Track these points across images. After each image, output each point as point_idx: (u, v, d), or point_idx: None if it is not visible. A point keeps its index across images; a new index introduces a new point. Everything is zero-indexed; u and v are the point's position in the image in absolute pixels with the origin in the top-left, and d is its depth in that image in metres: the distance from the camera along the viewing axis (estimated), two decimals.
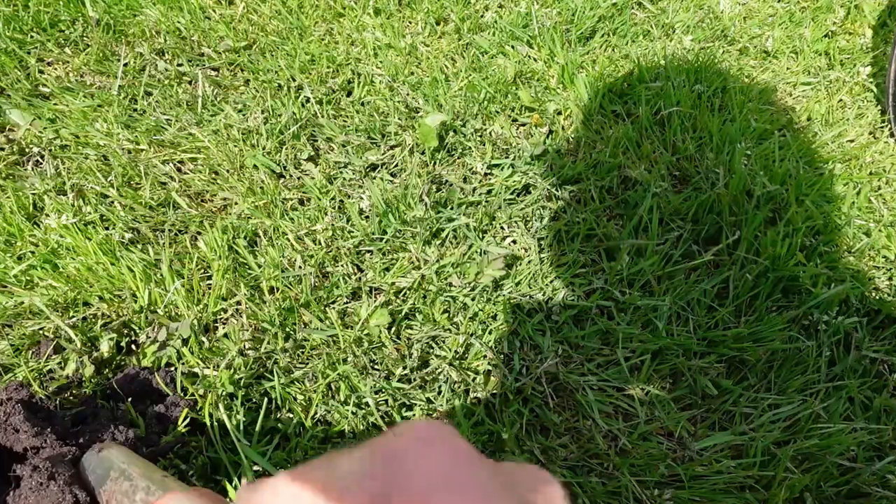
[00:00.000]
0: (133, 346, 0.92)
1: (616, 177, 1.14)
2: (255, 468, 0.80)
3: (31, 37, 1.23)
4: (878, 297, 1.04)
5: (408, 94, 1.23)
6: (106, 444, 0.71)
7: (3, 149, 1.08)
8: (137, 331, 0.91)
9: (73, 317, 0.91)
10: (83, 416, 0.80)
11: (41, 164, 1.07)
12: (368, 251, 1.03)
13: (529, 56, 1.31)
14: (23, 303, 0.92)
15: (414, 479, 0.30)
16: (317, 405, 0.86)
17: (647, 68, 1.29)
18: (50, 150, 1.08)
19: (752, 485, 0.87)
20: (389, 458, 0.31)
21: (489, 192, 1.12)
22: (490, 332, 0.95)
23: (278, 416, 0.86)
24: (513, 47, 1.32)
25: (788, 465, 0.88)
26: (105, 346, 0.88)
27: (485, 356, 0.92)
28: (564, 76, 1.24)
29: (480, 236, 1.06)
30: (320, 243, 1.02)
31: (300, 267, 0.99)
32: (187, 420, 0.81)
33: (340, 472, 0.32)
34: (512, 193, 1.11)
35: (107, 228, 1.00)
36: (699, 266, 1.05)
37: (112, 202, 1.03)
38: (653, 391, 0.94)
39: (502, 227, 1.08)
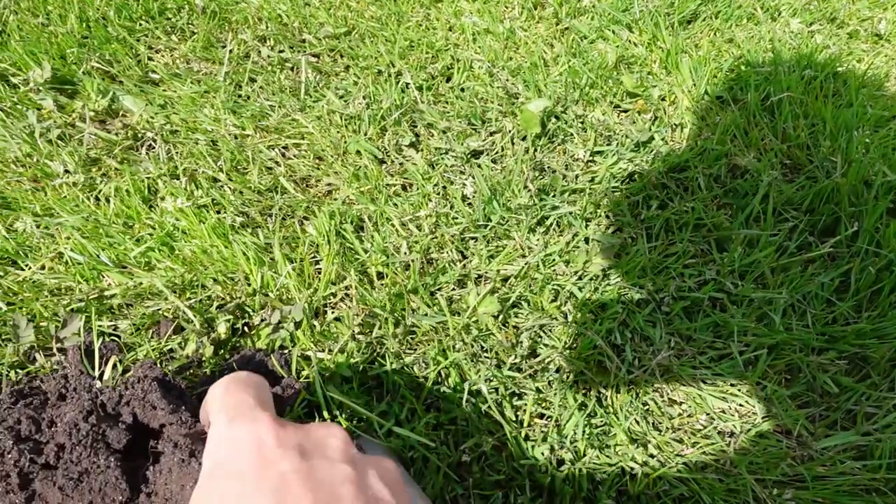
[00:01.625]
0: (246, 328, 0.93)
1: (724, 165, 1.11)
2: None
3: (141, 25, 1.26)
4: None
5: (507, 80, 1.21)
6: None
7: (118, 134, 1.11)
8: (251, 313, 0.93)
9: (191, 298, 0.93)
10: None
11: (154, 148, 1.10)
12: (473, 238, 1.03)
13: (630, 41, 1.28)
14: (142, 283, 0.95)
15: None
16: (427, 391, 0.86)
17: (754, 52, 1.25)
18: (161, 135, 1.11)
19: (880, 488, 0.84)
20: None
21: (592, 179, 1.10)
22: (600, 322, 0.93)
23: (390, 401, 0.86)
24: (613, 32, 1.30)
25: None
26: (222, 328, 0.90)
27: (595, 346, 0.91)
28: (669, 61, 1.21)
29: (585, 225, 1.04)
30: (424, 230, 1.02)
31: (406, 253, 0.99)
32: (304, 403, 0.82)
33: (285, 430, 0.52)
34: (617, 181, 1.09)
35: (218, 212, 1.02)
36: (816, 258, 1.01)
37: (222, 186, 1.05)
38: (769, 387, 0.91)
39: (607, 216, 1.05)
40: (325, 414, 0.80)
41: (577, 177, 1.10)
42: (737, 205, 1.07)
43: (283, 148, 1.12)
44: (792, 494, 0.84)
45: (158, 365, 0.72)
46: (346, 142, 1.11)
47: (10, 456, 0.64)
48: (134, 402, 0.68)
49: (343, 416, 0.82)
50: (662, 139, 1.14)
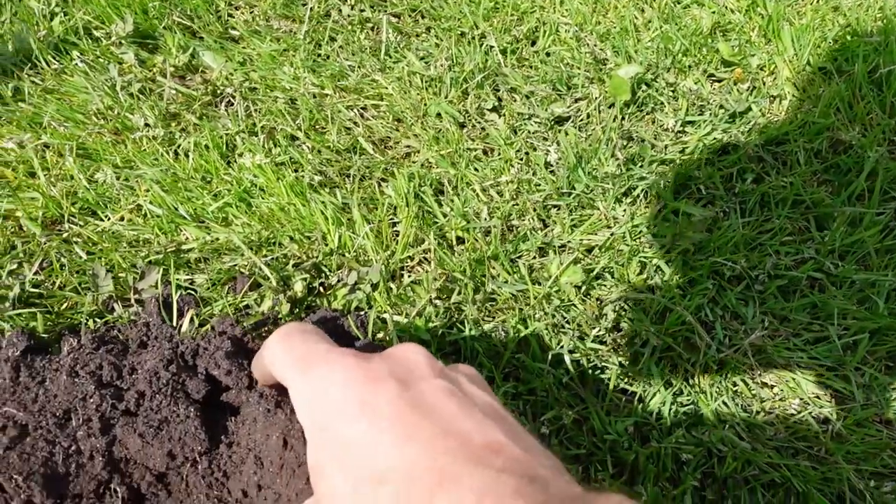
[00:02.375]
0: (322, 289, 0.92)
1: (826, 139, 1.04)
2: None
3: None
4: None
5: (595, 45, 1.16)
6: None
7: (198, 89, 1.10)
8: (328, 273, 0.91)
9: (267, 255, 0.92)
10: None
11: (233, 104, 1.09)
12: (556, 206, 0.99)
13: (727, 7, 1.21)
14: (218, 239, 0.94)
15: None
16: (506, 360, 0.84)
17: (862, 21, 1.17)
18: (240, 92, 1.09)
19: None
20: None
21: (682, 150, 1.04)
22: (689, 298, 0.88)
23: None
24: None
25: None
26: (298, 286, 0.88)
27: (684, 322, 0.86)
28: (769, 28, 1.14)
29: (675, 197, 0.99)
30: (505, 196, 0.99)
31: (486, 219, 0.96)
32: None
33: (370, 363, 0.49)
34: (709, 153, 1.03)
35: (296, 170, 1.00)
36: None
37: (301, 145, 1.03)
38: (869, 373, 0.85)
39: (698, 188, 1.00)
40: None
41: (666, 147, 1.04)
42: (839, 182, 1.01)
43: (362, 108, 1.10)
44: (891, 488, 0.78)
45: (236, 322, 0.71)
46: (426, 104, 1.08)
47: (91, 400, 0.64)
48: (206, 357, 0.67)
49: None
50: (760, 110, 1.07)
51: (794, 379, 0.84)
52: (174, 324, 0.81)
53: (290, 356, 0.54)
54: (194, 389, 0.65)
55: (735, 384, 0.84)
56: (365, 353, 0.51)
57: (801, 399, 0.84)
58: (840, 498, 0.78)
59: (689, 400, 0.82)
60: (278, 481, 0.59)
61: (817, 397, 0.84)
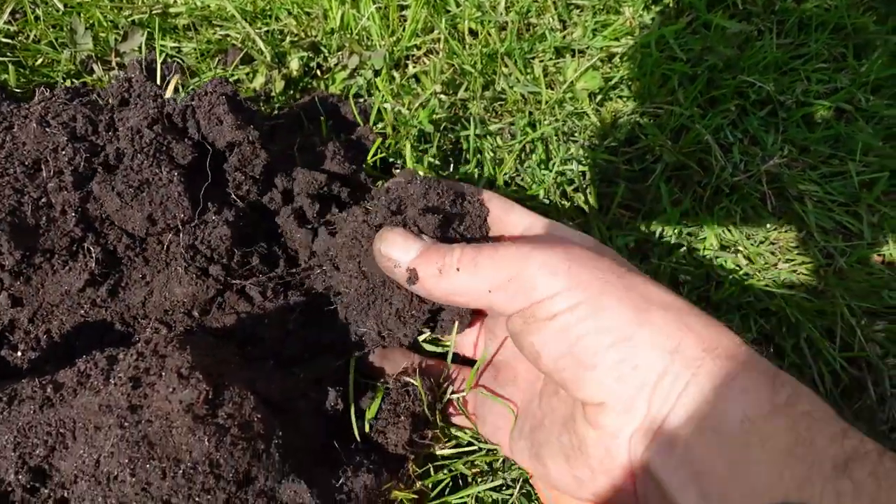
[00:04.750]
0: (320, 72, 0.85)
1: None
2: None
3: None
4: None
5: None
6: None
7: None
8: (327, 54, 0.84)
9: (262, 28, 0.84)
10: (277, 128, 0.75)
11: None
12: (578, 7, 0.90)
13: None
14: (209, 5, 0.85)
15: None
16: (510, 165, 0.79)
17: None
18: None
19: None
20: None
21: None
22: (710, 118, 0.83)
23: (467, 169, 0.79)
24: None
25: None
26: (294, 64, 0.82)
27: (701, 141, 0.82)
28: None
29: (708, 8, 0.91)
30: None
31: (503, 12, 0.88)
32: (379, 154, 0.75)
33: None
34: None
35: None
36: None
37: None
38: (883, 212, 0.82)
39: (735, 3, 0.92)
40: (409, 163, 0.73)
41: None
42: (886, 10, 0.93)
43: None
44: (883, 327, 0.78)
45: (227, 81, 0.65)
46: None
47: (63, 153, 0.59)
48: (200, 115, 0.61)
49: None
50: None
51: (804, 211, 0.81)
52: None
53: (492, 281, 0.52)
54: (180, 153, 0.60)
55: (744, 210, 0.81)
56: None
57: (808, 232, 0.81)
58: (830, 332, 0.78)
59: (694, 222, 0.79)
60: None
61: (825, 231, 0.82)
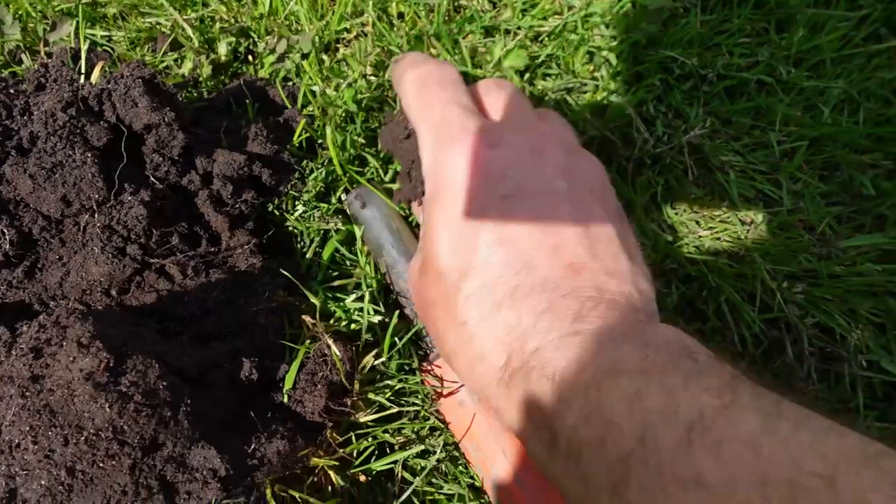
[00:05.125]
0: (250, 57, 0.86)
1: None
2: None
3: None
4: None
5: None
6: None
7: None
8: (256, 39, 0.85)
9: (192, 15, 0.85)
10: (204, 112, 0.76)
11: None
12: None
13: None
14: None
15: None
16: None
17: None
18: None
19: (895, 291, 0.80)
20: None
21: None
22: (634, 92, 0.85)
23: None
24: None
25: None
26: (223, 49, 0.83)
27: (624, 115, 0.84)
28: None
29: None
30: None
31: None
32: (304, 135, 0.77)
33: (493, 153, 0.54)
34: None
35: None
36: (884, 51, 0.91)
37: None
38: (803, 179, 0.85)
39: None
40: (331, 151, 0.75)
41: None
42: None
43: None
44: (803, 289, 0.80)
45: (144, 64, 0.66)
46: None
47: None
48: (115, 98, 0.63)
49: (345, 154, 0.77)
50: None
51: (727, 181, 0.84)
52: (83, 75, 0.76)
53: (425, 115, 0.57)
54: (94, 135, 0.61)
55: (667, 181, 0.83)
56: (495, 128, 0.55)
57: (731, 201, 0.84)
58: (752, 295, 0.80)
59: (619, 192, 0.81)
60: None
61: (747, 200, 0.84)
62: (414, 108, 0.59)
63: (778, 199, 0.84)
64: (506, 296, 0.46)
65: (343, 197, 0.76)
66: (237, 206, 0.69)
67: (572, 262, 0.48)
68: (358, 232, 0.72)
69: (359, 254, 0.73)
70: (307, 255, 0.74)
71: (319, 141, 0.79)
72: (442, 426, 0.69)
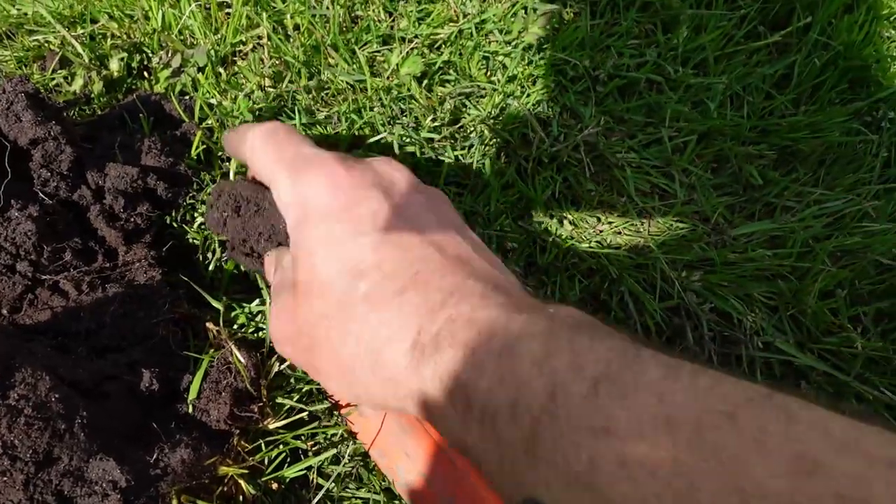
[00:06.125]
0: (146, 73, 0.85)
1: None
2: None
3: None
4: None
5: None
6: None
7: None
8: (150, 54, 0.84)
9: (81, 32, 0.83)
10: (98, 128, 0.75)
11: None
12: None
13: None
14: (26, 14, 0.84)
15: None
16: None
17: None
18: None
19: (786, 274, 0.84)
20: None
21: None
22: (529, 95, 0.88)
23: None
24: None
25: (825, 259, 0.84)
26: (115, 65, 0.81)
27: (521, 118, 0.86)
28: None
29: None
30: None
31: (328, 6, 0.90)
32: (202, 147, 0.76)
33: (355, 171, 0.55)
34: None
35: None
36: (763, 48, 0.96)
37: None
38: (695, 172, 0.88)
39: None
40: (229, 164, 0.74)
41: None
42: None
43: None
44: (700, 276, 0.83)
45: (28, 79, 0.65)
46: None
47: None
48: None
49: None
50: None
51: (623, 177, 0.86)
52: None
53: (278, 157, 0.57)
54: None
55: (566, 179, 0.86)
56: (347, 157, 0.57)
57: (628, 196, 0.86)
58: (652, 285, 0.83)
59: (518, 192, 0.83)
60: None
61: (644, 194, 0.87)
62: (264, 160, 0.58)
63: (672, 192, 0.87)
64: (408, 281, 0.47)
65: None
66: (132, 219, 0.67)
67: (459, 255, 0.50)
68: None
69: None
70: (210, 268, 0.73)
71: (220, 153, 0.78)
72: (353, 432, 0.69)
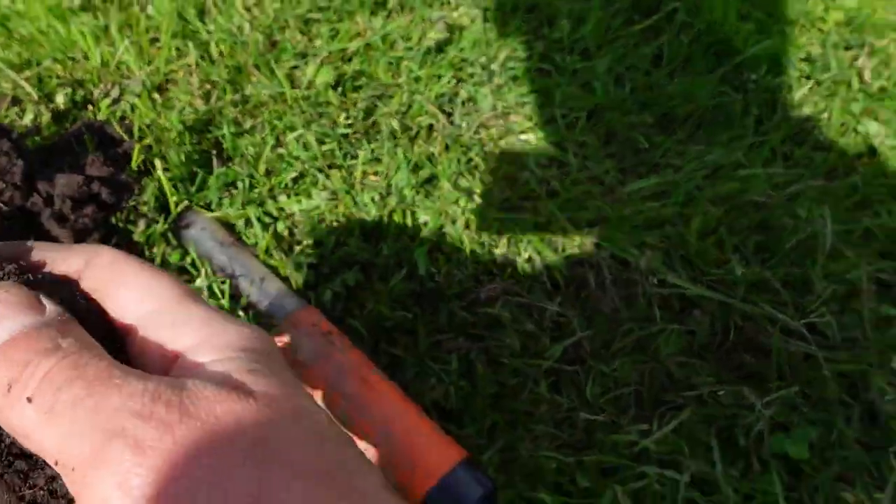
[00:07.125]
0: (89, 106, 0.96)
1: None
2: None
3: None
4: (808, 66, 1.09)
5: None
6: None
7: None
8: (91, 88, 0.95)
9: (29, 74, 0.94)
10: (49, 153, 0.85)
11: None
12: (316, 20, 1.06)
13: None
14: None
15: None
16: (266, 156, 0.91)
17: None
18: None
19: (672, 221, 0.94)
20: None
21: None
22: (431, 90, 0.99)
23: (230, 166, 0.91)
24: None
25: (707, 203, 0.95)
26: (61, 99, 0.92)
27: (426, 111, 0.97)
28: None
29: (429, 5, 1.08)
30: (269, 13, 1.04)
31: (248, 34, 1.02)
32: (140, 159, 0.86)
33: None
34: None
35: None
36: (638, 33, 1.08)
37: None
38: (588, 142, 0.99)
39: (449, 1, 1.10)
40: (159, 173, 0.84)
41: None
42: None
43: None
44: (596, 231, 0.94)
45: None
46: None
47: None
48: None
49: (181, 190, 0.87)
50: None
51: (524, 154, 0.97)
52: None
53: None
54: None
55: (471, 160, 0.96)
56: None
57: (529, 170, 0.97)
58: (554, 243, 0.93)
59: (428, 174, 0.94)
60: None
61: (543, 166, 0.98)
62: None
63: (567, 162, 0.98)
64: None
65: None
66: (79, 220, 0.77)
67: None
68: (192, 250, 0.83)
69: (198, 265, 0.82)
70: (155, 262, 0.83)
71: (158, 161, 0.88)
72: None
